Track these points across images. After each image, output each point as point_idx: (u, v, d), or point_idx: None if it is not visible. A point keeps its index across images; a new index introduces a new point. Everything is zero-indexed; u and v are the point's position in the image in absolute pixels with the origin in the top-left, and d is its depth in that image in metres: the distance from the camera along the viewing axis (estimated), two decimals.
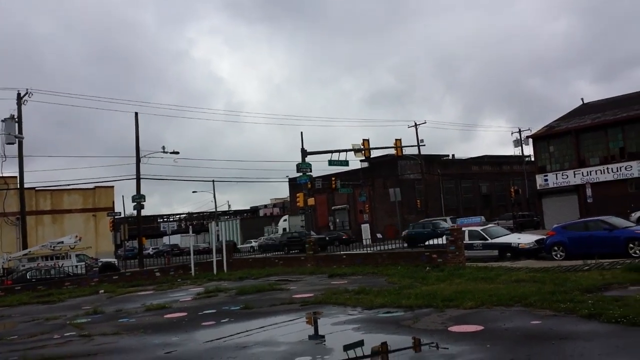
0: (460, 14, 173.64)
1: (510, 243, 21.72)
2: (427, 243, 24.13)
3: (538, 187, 44.19)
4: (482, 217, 25.86)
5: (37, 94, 33.09)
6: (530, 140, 48.28)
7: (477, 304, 10.28)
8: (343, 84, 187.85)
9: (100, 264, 34.75)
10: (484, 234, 22.43)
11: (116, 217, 41.70)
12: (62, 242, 32.37)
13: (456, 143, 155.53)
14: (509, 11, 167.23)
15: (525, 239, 22.26)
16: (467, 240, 21.10)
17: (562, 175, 42.25)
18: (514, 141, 62.84)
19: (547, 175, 43.40)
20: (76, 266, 30.00)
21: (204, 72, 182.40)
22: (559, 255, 19.94)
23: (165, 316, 12.46)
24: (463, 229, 21.23)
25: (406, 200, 51.89)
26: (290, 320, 10.74)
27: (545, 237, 21.70)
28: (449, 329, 8.61)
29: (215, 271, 25.95)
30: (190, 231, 31.01)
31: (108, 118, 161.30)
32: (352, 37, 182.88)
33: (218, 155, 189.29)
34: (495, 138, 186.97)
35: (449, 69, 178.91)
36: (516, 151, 63.56)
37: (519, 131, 62.26)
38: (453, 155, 72.38)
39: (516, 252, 21.25)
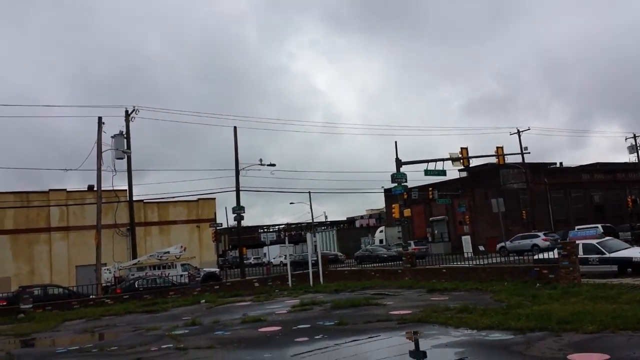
0: (569, 14, 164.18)
1: (632, 257, 19.65)
2: (536, 257, 22.43)
3: None
4: (599, 228, 23.62)
5: (144, 111, 34.99)
6: None
7: (598, 328, 9.10)
8: (441, 91, 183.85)
9: (203, 273, 35.85)
10: (601, 248, 20.47)
11: (218, 227, 43.08)
12: (168, 252, 33.76)
13: (564, 150, 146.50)
14: (621, 9, 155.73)
15: None
16: (581, 255, 19.33)
17: None
18: (629, 147, 57.99)
19: None
20: (181, 275, 31.09)
21: (303, 85, 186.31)
22: None
23: (260, 330, 12.27)
24: (577, 242, 19.47)
25: (510, 211, 49.16)
26: (387, 340, 10.10)
27: None
28: (568, 356, 7.59)
29: (311, 282, 25.83)
30: (287, 242, 31.20)
31: (212, 132, 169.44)
32: (451, 43, 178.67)
33: (316, 166, 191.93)
34: (607, 144, 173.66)
35: (556, 72, 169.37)
36: (631, 158, 58.62)
37: (634, 136, 57.34)
38: (561, 163, 67.95)
39: (638, 268, 19.18)
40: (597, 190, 63.50)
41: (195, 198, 42.85)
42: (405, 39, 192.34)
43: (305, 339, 10.68)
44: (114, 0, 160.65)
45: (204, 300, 21.55)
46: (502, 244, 40.10)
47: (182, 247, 34.39)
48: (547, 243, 38.33)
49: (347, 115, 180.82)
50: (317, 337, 10.82)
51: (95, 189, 31.61)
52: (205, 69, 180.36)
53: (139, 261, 33.51)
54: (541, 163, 60.94)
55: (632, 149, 57.17)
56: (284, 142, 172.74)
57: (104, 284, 30.67)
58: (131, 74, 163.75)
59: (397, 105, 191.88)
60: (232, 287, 26.86)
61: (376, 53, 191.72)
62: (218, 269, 39.68)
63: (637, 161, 57.61)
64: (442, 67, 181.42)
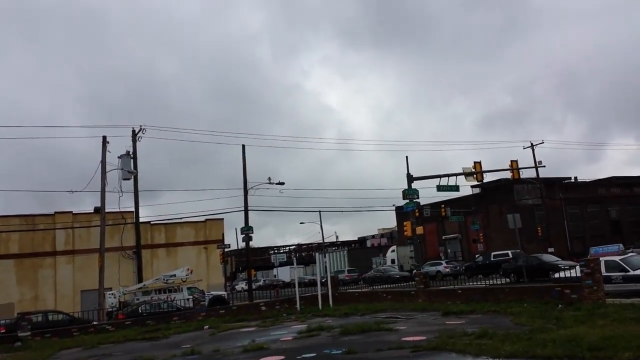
0: (583, 26, 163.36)
1: None
2: (555, 276, 21.33)
3: None
4: (621, 245, 22.55)
5: (154, 131, 34.54)
6: None
7: (635, 355, 8.11)
8: (455, 106, 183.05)
9: (210, 296, 34.94)
10: (625, 265, 19.36)
11: (226, 249, 42.21)
12: (175, 275, 32.93)
13: (579, 165, 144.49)
14: (635, 20, 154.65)
15: None
16: (603, 273, 18.24)
17: None
18: None
19: None
20: (187, 299, 30.22)
21: (316, 102, 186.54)
22: None
23: (262, 359, 11.34)
24: (599, 259, 18.40)
25: (525, 228, 47.86)
26: None
27: None
28: None
29: (320, 305, 24.84)
30: (295, 263, 30.46)
31: (224, 152, 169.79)
32: (464, 58, 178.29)
33: (328, 185, 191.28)
34: (623, 158, 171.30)
35: (571, 85, 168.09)
36: None
37: None
38: (576, 177, 66.62)
39: None
40: (614, 205, 62.06)
41: (203, 219, 42.17)
42: (418, 54, 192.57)
43: None
44: (127, 22, 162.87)
45: (207, 326, 20.64)
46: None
47: (188, 269, 33.56)
48: (448, 270, 42.97)
49: (360, 133, 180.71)
50: None
51: (103, 210, 30.99)
52: (218, 89, 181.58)
53: (144, 285, 32.69)
54: (556, 178, 59.72)
55: None
56: (297, 161, 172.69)
57: (108, 309, 29.89)
58: (145, 95, 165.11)
59: (410, 122, 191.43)
60: (238, 312, 25.92)
61: (389, 69, 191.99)
62: (225, 292, 38.73)
63: None
64: (455, 81, 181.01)
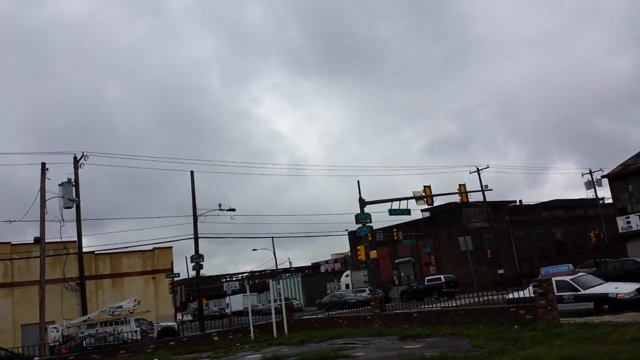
0: (521, 57, 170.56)
1: (607, 293, 18.93)
2: (508, 297, 21.52)
3: (620, 231, 40.49)
4: (571, 265, 23.09)
5: (99, 158, 33.31)
6: (605, 180, 44.90)
7: None
8: (402, 133, 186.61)
9: (159, 328, 33.63)
10: (575, 284, 19.72)
11: (176, 278, 40.89)
12: (121, 307, 31.60)
13: (523, 189, 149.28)
14: (571, 51, 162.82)
15: (624, 288, 19.36)
16: (555, 292, 18.51)
17: None
18: (586, 183, 58.82)
19: (629, 217, 39.77)
20: (135, 331, 28.94)
21: (267, 129, 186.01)
22: None
23: None
24: (551, 279, 18.66)
25: (475, 250, 48.69)
26: None
27: None
28: None
29: (275, 334, 24.20)
30: (248, 291, 29.51)
31: (172, 179, 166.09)
32: (410, 86, 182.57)
33: (281, 211, 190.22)
34: (564, 181, 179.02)
35: (512, 112, 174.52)
36: (589, 194, 59.41)
37: (590, 172, 58.28)
38: (520, 201, 68.57)
39: (615, 304, 18.46)
40: (558, 227, 64.08)
41: (150, 247, 40.79)
42: (366, 82, 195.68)
43: None
44: (70, 46, 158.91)
45: (156, 359, 19.68)
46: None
47: (136, 300, 32.21)
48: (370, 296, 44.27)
49: (311, 159, 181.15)
50: None
51: (43, 240, 29.45)
52: (166, 115, 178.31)
53: (89, 317, 31.16)
54: (502, 201, 61.27)
55: (589, 185, 57.86)
56: (248, 188, 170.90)
57: (51, 344, 28.27)
58: (90, 121, 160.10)
59: (360, 148, 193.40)
60: (189, 343, 24.92)
61: (338, 96, 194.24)
62: (175, 324, 37.38)
63: (594, 197, 58.24)
64: (402, 109, 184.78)
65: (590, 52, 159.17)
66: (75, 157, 32.93)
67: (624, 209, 40.27)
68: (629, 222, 39.83)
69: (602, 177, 47.81)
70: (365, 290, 45.13)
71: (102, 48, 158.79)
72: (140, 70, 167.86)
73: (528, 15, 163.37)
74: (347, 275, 61.19)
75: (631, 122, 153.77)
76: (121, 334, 27.92)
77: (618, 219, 40.40)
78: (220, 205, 37.03)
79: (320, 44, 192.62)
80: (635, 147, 45.20)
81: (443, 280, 43.64)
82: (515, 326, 16.05)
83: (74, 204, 31.48)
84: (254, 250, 77.09)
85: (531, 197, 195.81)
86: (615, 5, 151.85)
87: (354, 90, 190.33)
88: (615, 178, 41.06)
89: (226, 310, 64.53)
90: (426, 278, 46.93)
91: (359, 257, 36.89)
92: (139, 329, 28.82)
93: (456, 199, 40.60)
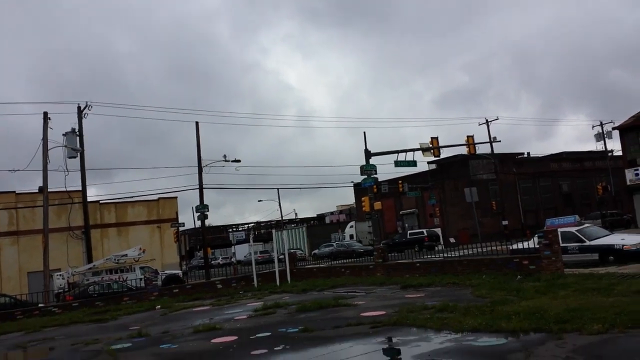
0: (537, 5, 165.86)
1: (613, 245, 18.69)
2: (512, 247, 21.30)
3: (628, 183, 40.03)
4: (577, 217, 22.72)
5: (109, 107, 32.92)
6: (616, 133, 44.05)
7: (605, 327, 7.78)
8: (414, 85, 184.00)
9: (164, 276, 33.95)
10: (581, 236, 19.48)
11: (181, 227, 40.98)
12: (126, 255, 31.80)
13: (532, 141, 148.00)
14: (587, 2, 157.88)
15: (630, 239, 19.10)
16: (560, 243, 18.25)
17: None
18: (596, 135, 57.66)
19: (637, 169, 39.22)
20: (140, 279, 29.15)
21: (276, 80, 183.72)
22: None
23: (212, 341, 10.65)
24: (557, 230, 18.36)
25: (480, 202, 48.44)
26: (359, 348, 8.64)
27: None
28: None
29: (278, 282, 24.29)
30: (252, 240, 29.49)
31: (181, 130, 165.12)
32: (423, 37, 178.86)
33: (288, 163, 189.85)
34: (574, 134, 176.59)
35: (525, 63, 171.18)
36: (598, 146, 58.38)
37: (601, 124, 57.12)
38: (528, 153, 67.81)
39: (620, 255, 18.24)
40: (565, 179, 63.56)
41: (156, 197, 40.76)
42: (378, 33, 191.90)
43: (264, 351, 9.11)
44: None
45: (159, 306, 19.76)
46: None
47: (141, 249, 32.38)
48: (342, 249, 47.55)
49: (320, 111, 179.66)
50: (278, 348, 9.27)
51: (46, 189, 29.34)
52: (175, 67, 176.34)
53: (94, 265, 31.37)
54: (510, 153, 60.59)
55: (599, 137, 56.82)
56: (256, 140, 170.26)
57: (56, 291, 28.59)
58: (100, 73, 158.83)
59: (370, 100, 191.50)
60: (193, 290, 25.09)
61: (350, 47, 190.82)
62: (180, 271, 37.71)
63: (603, 149, 57.39)
64: (414, 60, 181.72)
65: (610, 3, 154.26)
66: (79, 107, 32.48)
67: (634, 161, 39.66)
68: (637, 174, 39.31)
69: (614, 128, 46.88)
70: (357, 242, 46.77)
71: (111, 1, 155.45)
72: (150, 21, 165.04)
73: None
74: (351, 226, 61.36)
75: None
76: (126, 282, 28.12)
77: (627, 171, 39.85)
78: (225, 156, 36.73)
79: None
80: None
81: (425, 234, 44.99)
82: (519, 276, 15.86)
83: (78, 154, 31.21)
84: (259, 201, 77.42)
85: (540, 149, 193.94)
86: None
87: (366, 41, 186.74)
88: (627, 129, 40.28)
89: (232, 259, 65.11)
90: (408, 232, 48.24)
91: (364, 209, 36.62)
92: (143, 276, 29.05)
93: (463, 151, 39.89)
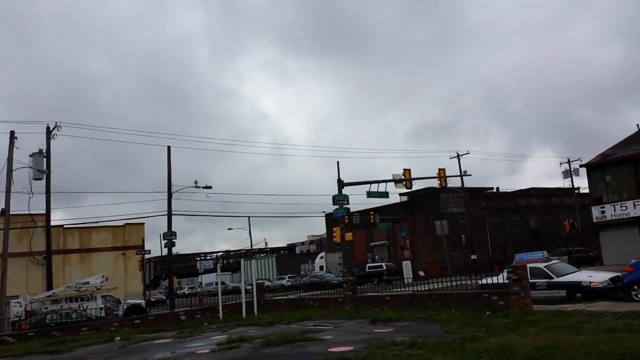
0: (510, 43, 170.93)
1: (581, 282, 18.80)
2: (481, 282, 21.27)
3: (594, 220, 40.69)
4: (545, 252, 22.94)
5: (80, 129, 32.19)
6: (583, 170, 45.03)
7: None
8: (388, 116, 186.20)
9: (126, 305, 32.90)
10: (549, 272, 19.57)
11: (147, 255, 40.02)
12: (88, 283, 30.75)
13: (501, 176, 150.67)
14: (559, 40, 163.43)
15: (598, 277, 19.27)
16: (529, 279, 18.25)
17: (621, 206, 38.78)
18: (563, 172, 58.93)
19: (604, 207, 39.94)
20: (101, 308, 28.19)
21: (252, 108, 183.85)
22: None
23: None
24: (526, 266, 18.38)
25: (449, 235, 48.75)
26: None
27: (621, 274, 18.70)
28: None
29: (244, 314, 23.67)
30: (219, 270, 28.85)
31: (154, 155, 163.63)
32: (399, 69, 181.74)
33: (262, 191, 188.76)
34: (542, 170, 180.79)
35: (496, 100, 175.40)
36: (565, 183, 59.63)
37: (568, 162, 58.48)
38: (497, 188, 68.89)
39: (588, 293, 18.32)
40: (533, 215, 64.58)
41: (122, 223, 39.82)
42: (356, 64, 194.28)
43: None
44: (56, 17, 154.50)
45: (118, 338, 18.99)
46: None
47: (103, 276, 31.36)
48: (289, 283, 51.26)
49: (295, 140, 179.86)
50: None
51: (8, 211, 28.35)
52: (151, 91, 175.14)
53: (54, 293, 30.22)
54: (479, 188, 61.40)
55: (566, 174, 58.08)
56: (230, 167, 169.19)
57: (13, 319, 27.37)
58: (73, 95, 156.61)
59: (345, 130, 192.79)
60: (155, 321, 24.23)
61: (327, 77, 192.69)
62: (143, 301, 36.62)
63: (570, 186, 58.63)
64: (389, 92, 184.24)
65: (580, 43, 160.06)
66: (48, 127, 31.75)
67: (600, 199, 40.43)
68: (603, 212, 40.01)
69: (581, 166, 47.91)
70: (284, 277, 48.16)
71: (89, 19, 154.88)
72: (127, 43, 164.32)
73: (522, 3, 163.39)
74: (321, 257, 60.95)
75: (613, 114, 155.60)
76: (86, 311, 27.12)
77: (593, 208, 40.55)
78: (196, 182, 36.16)
79: (312, 22, 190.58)
80: (616, 139, 45.50)
81: (384, 267, 46.25)
82: (488, 312, 15.74)
83: (44, 176, 30.41)
84: (229, 229, 76.27)
85: (509, 184, 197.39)
86: None
87: (343, 71, 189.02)
88: (594, 167, 41.17)
89: (198, 289, 63.88)
90: (367, 265, 49.74)
91: (335, 239, 36.47)
92: (104, 306, 28.09)
93: (435, 183, 40.28)
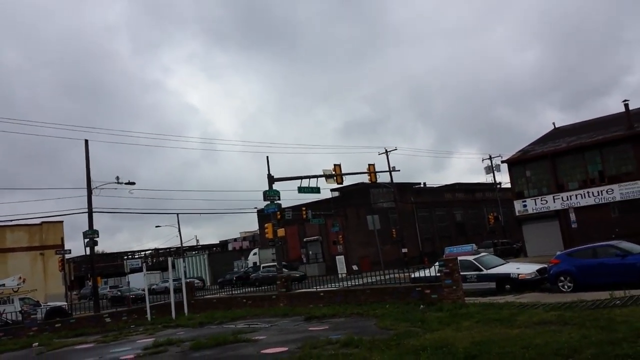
0: (435, 44, 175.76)
1: (509, 273, 19.30)
2: (413, 275, 21.49)
3: (517, 214, 42.33)
4: (474, 245, 23.47)
5: None
6: (505, 165, 46.74)
7: None
8: (318, 113, 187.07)
9: (46, 308, 31.03)
10: (478, 264, 19.98)
11: (67, 255, 37.89)
12: (4, 285, 28.87)
13: (428, 172, 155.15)
14: (478, 42, 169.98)
15: (525, 268, 19.86)
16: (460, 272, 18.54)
17: (541, 200, 40.51)
18: (486, 168, 61.13)
19: (525, 201, 41.60)
20: (19, 312, 26.37)
21: (179, 101, 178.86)
22: (566, 287, 17.59)
23: None
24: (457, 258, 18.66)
25: (381, 229, 49.38)
26: None
27: (547, 265, 19.36)
28: None
29: (174, 314, 22.76)
30: (145, 269, 27.67)
31: (72, 149, 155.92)
32: (327, 67, 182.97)
33: (192, 187, 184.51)
34: (466, 166, 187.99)
35: (422, 98, 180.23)
36: (488, 178, 61.95)
37: (490, 158, 60.70)
38: (424, 183, 70.54)
39: (516, 284, 18.85)
40: (458, 209, 66.60)
41: (39, 222, 37.51)
42: (284, 59, 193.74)
43: None
44: None
45: (36, 344, 17.71)
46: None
47: (20, 278, 29.55)
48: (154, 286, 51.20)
49: (224, 135, 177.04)
50: None
51: None
52: (70, 83, 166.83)
53: None
54: (408, 183, 62.58)
55: (489, 169, 60.26)
56: (157, 163, 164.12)
57: None
58: None
59: (275, 126, 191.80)
60: (77, 325, 22.86)
61: (256, 72, 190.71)
62: (65, 303, 34.70)
63: (493, 181, 60.89)
64: (319, 89, 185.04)
65: (499, 45, 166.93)
66: None
67: (521, 193, 42.03)
68: (525, 206, 41.63)
69: (502, 162, 49.68)
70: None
71: (1, 6, 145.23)
72: (42, 34, 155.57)
73: (445, 6, 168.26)
74: (254, 254, 60.22)
75: (531, 113, 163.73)
76: (2, 315, 25.31)
77: (515, 202, 42.12)
78: (118, 178, 34.52)
79: (239, 17, 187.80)
80: (534, 137, 47.61)
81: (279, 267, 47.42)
82: (422, 306, 15.81)
83: None
84: (156, 226, 74.13)
85: (436, 179, 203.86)
86: (526, 1, 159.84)
87: (271, 68, 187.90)
88: (514, 163, 42.74)
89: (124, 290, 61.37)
90: (262, 265, 51.45)
91: (267, 235, 35.90)
92: (22, 309, 26.31)
93: (365, 179, 40.60)
